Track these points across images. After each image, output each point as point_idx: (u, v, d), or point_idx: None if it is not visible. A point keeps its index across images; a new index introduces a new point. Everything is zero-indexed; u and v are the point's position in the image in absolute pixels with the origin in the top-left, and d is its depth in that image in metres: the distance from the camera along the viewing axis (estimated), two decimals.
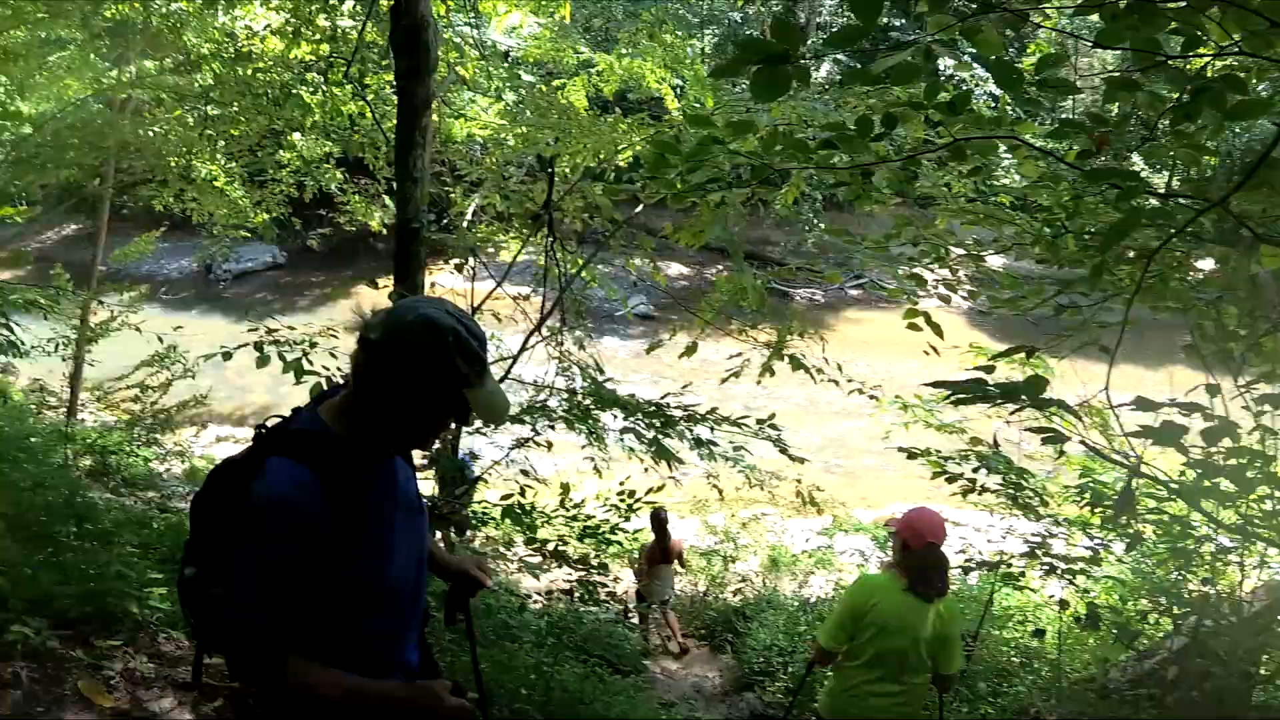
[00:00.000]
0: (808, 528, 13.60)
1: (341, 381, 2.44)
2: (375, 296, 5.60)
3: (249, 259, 26.46)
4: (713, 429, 5.35)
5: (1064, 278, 4.41)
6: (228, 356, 4.86)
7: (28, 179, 8.93)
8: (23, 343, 6.64)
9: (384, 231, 11.99)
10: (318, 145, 10.40)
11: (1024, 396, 3.10)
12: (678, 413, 5.35)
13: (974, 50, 2.74)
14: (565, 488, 5.87)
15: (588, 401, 5.33)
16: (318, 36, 8.79)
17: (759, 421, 5.54)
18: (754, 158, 3.35)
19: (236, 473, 2.18)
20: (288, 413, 2.33)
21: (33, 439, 10.33)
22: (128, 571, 5.17)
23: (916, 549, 4.34)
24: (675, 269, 25.54)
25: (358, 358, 2.17)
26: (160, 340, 9.95)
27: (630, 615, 9.76)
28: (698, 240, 6.30)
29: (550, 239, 6.04)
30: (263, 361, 4.78)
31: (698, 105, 10.22)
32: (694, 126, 3.19)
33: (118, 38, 11.23)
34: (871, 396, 7.23)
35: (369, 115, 9.08)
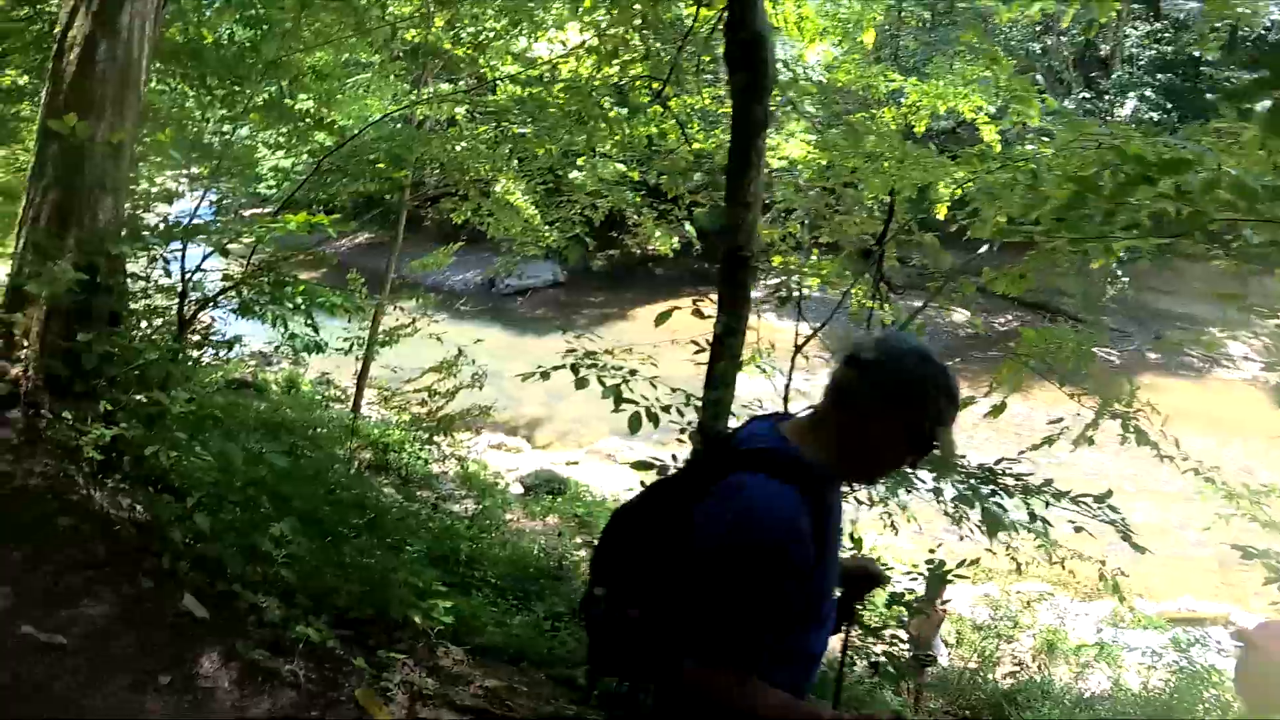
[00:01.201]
0: (1085, 612, 12.48)
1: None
2: (702, 327, 5.35)
3: (531, 276, 27.35)
4: (1048, 504, 4.79)
5: None
6: (545, 377, 4.75)
7: (332, 189, 9.37)
8: (325, 342, 6.88)
9: (671, 255, 11.92)
10: (608, 167, 10.40)
11: None
12: (1009, 480, 4.84)
13: None
14: (858, 542, 5.46)
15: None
16: (629, 56, 8.75)
17: (1097, 499, 4.93)
18: (1186, 201, 2.85)
19: (685, 491, 2.19)
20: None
21: (319, 429, 10.91)
22: (413, 579, 5.15)
23: None
24: (958, 315, 24.30)
25: (844, 377, 2.17)
26: (461, 352, 10.18)
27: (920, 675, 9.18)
28: (1017, 288, 5.78)
29: (878, 279, 5.63)
30: (581, 384, 4.64)
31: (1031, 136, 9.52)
32: (1124, 161, 2.72)
33: (415, 60, 11.82)
34: (1208, 479, 6.49)
35: (671, 136, 8.97)
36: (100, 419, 5.12)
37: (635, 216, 10.73)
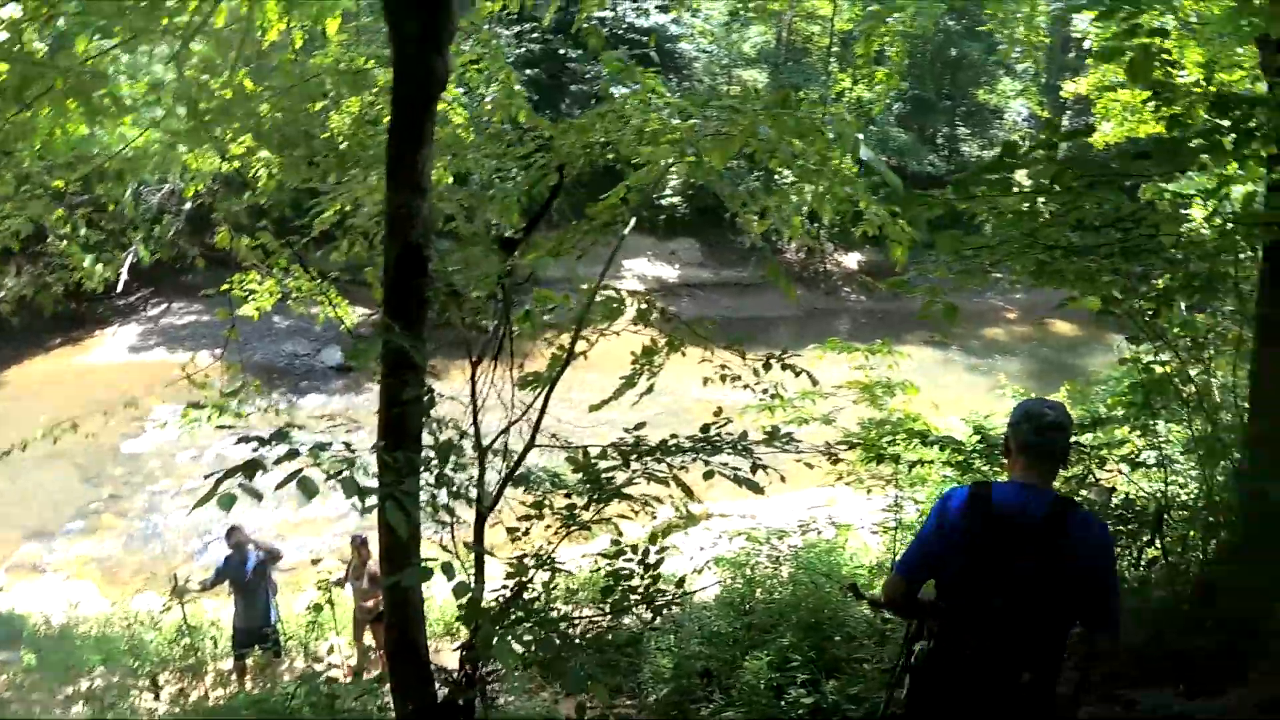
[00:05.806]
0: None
1: None
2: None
3: None
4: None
5: None
6: (226, 503, 2.58)
7: None
8: None
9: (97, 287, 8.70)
10: None
11: None
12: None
13: None
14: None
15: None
16: None
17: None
18: None
19: (1048, 531, 2.96)
20: None
21: None
22: None
23: None
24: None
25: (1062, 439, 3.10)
26: None
27: None
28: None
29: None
30: (309, 490, 2.63)
31: None
32: None
33: None
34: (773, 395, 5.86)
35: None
36: None
37: (59, 241, 7.55)
